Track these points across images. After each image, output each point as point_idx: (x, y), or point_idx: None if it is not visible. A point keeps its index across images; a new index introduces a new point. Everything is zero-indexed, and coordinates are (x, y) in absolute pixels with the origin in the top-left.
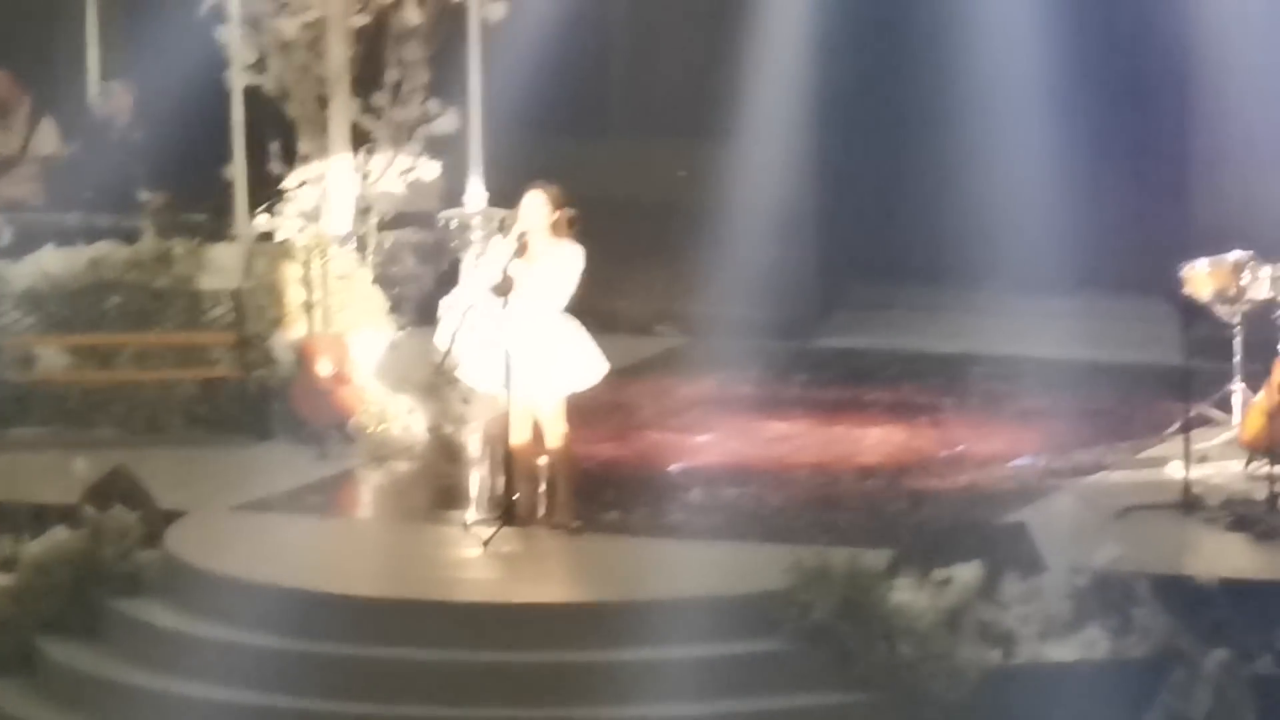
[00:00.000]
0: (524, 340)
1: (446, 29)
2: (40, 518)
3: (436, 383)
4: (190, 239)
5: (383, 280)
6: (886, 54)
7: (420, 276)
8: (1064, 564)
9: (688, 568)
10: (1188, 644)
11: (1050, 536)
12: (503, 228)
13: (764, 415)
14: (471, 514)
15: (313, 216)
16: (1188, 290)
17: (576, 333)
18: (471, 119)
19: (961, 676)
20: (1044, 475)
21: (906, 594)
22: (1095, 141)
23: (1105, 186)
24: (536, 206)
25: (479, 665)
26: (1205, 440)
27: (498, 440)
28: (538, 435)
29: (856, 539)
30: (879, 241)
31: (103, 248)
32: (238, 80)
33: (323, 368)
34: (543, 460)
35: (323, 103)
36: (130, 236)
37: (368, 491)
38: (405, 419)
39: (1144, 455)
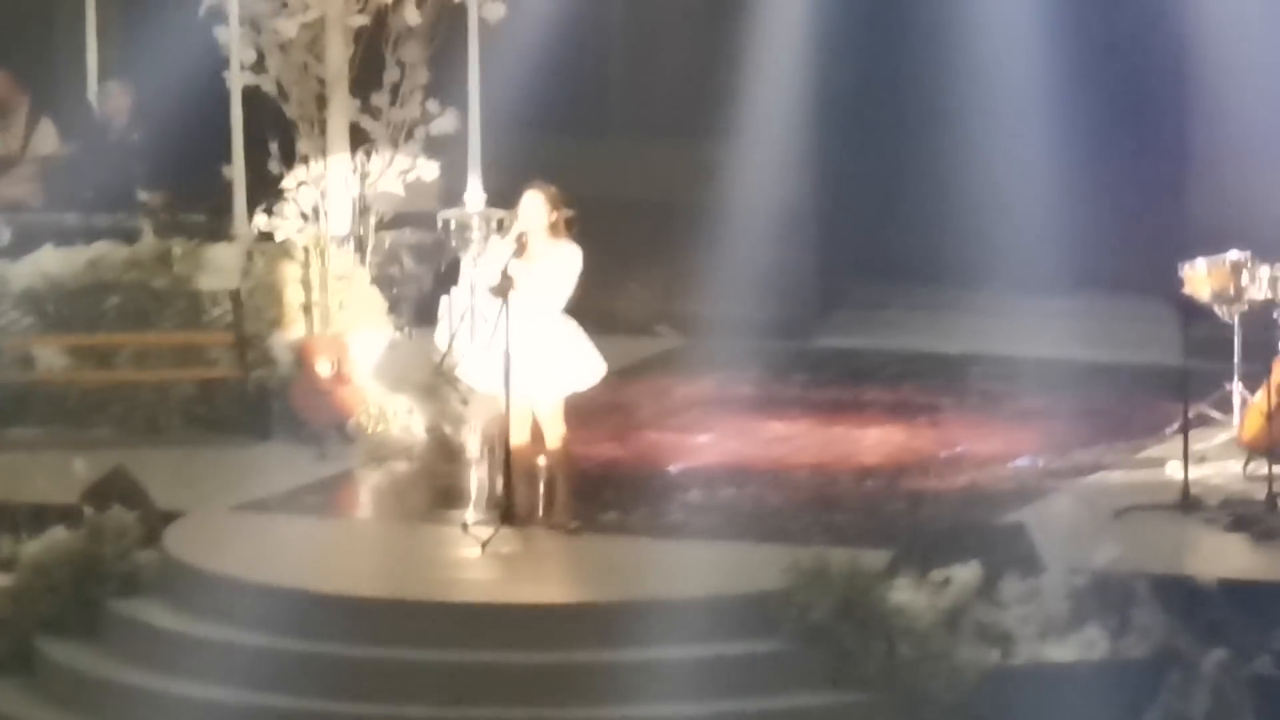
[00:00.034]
0: (523, 341)
1: (445, 29)
2: (39, 518)
3: (435, 383)
4: (189, 239)
5: (381, 280)
6: (886, 54)
7: (419, 277)
8: (1063, 564)
9: (686, 568)
10: (1186, 644)
11: (1049, 537)
12: (502, 228)
13: (763, 415)
14: (470, 514)
15: (312, 217)
16: (1186, 290)
17: (575, 333)
18: (470, 119)
19: (960, 677)
20: (1043, 475)
21: (905, 594)
22: (1094, 141)
23: (1104, 186)
24: (535, 207)
25: (478, 665)
26: (1204, 440)
27: (497, 440)
28: (536, 435)
29: (855, 539)
30: (878, 242)
31: (101, 248)
32: (237, 80)
33: (322, 368)
34: (541, 460)
35: (322, 103)
36: (129, 237)
37: (367, 492)
38: (404, 419)
39: (1143, 455)
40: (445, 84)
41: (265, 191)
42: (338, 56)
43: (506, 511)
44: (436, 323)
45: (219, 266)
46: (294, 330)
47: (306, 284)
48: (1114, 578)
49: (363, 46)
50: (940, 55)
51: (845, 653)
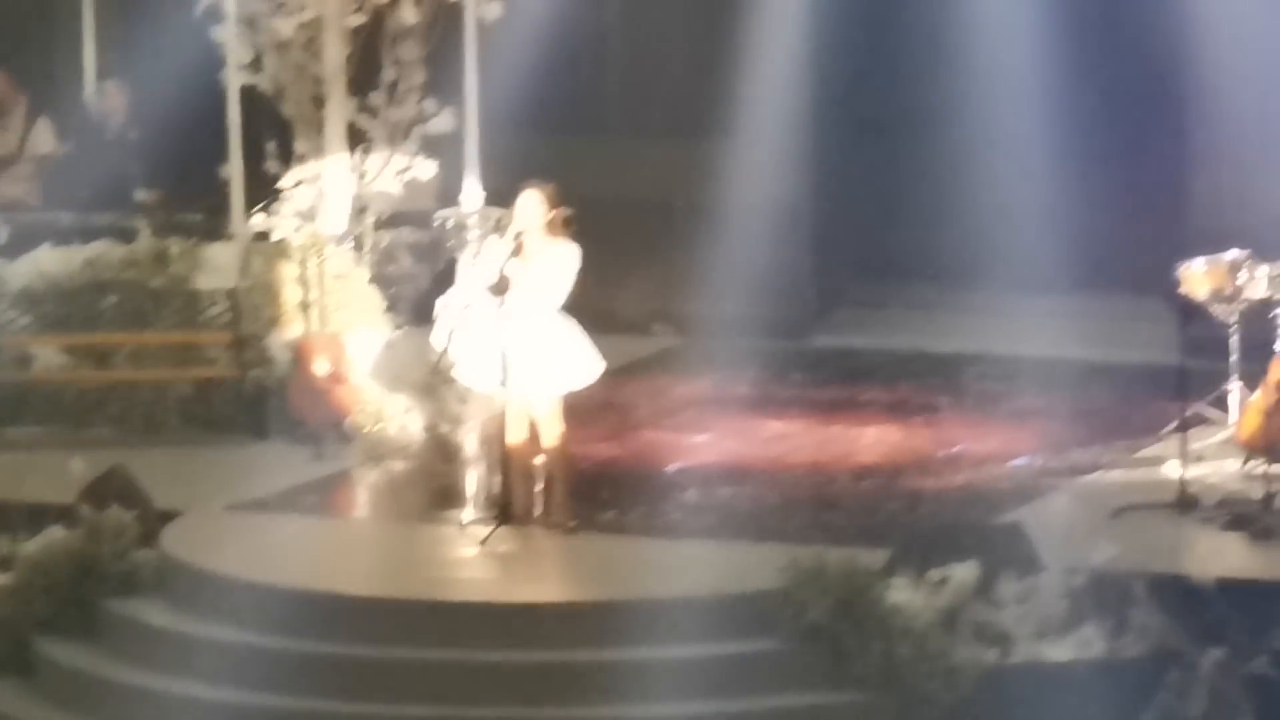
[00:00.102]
0: (520, 339)
1: (442, 28)
2: (37, 517)
3: (433, 382)
4: (186, 238)
5: (379, 280)
6: (883, 53)
7: (417, 276)
8: (1060, 564)
9: (684, 567)
10: (1184, 644)
11: (1046, 536)
12: (499, 227)
13: (760, 415)
14: (468, 513)
15: (309, 216)
16: (1184, 289)
17: (573, 332)
18: (468, 118)
19: (958, 676)
20: (1040, 475)
21: (903, 594)
22: (1092, 141)
23: (1102, 186)
24: (532, 206)
25: (475, 665)
26: (1202, 440)
27: (494, 440)
28: (534, 435)
29: (853, 539)
30: (876, 241)
31: (99, 247)
32: (234, 80)
33: (319, 367)
34: (539, 460)
35: (319, 102)
36: (126, 236)
37: (364, 491)
38: (402, 418)
39: (1140, 455)
40: (442, 83)
41: (262, 191)
42: (335, 56)
43: (504, 511)
44: (434, 322)
45: (216, 266)
46: (291, 329)
47: (304, 283)
48: (1111, 577)
49: (360, 46)
50: (938, 55)
51: (843, 652)
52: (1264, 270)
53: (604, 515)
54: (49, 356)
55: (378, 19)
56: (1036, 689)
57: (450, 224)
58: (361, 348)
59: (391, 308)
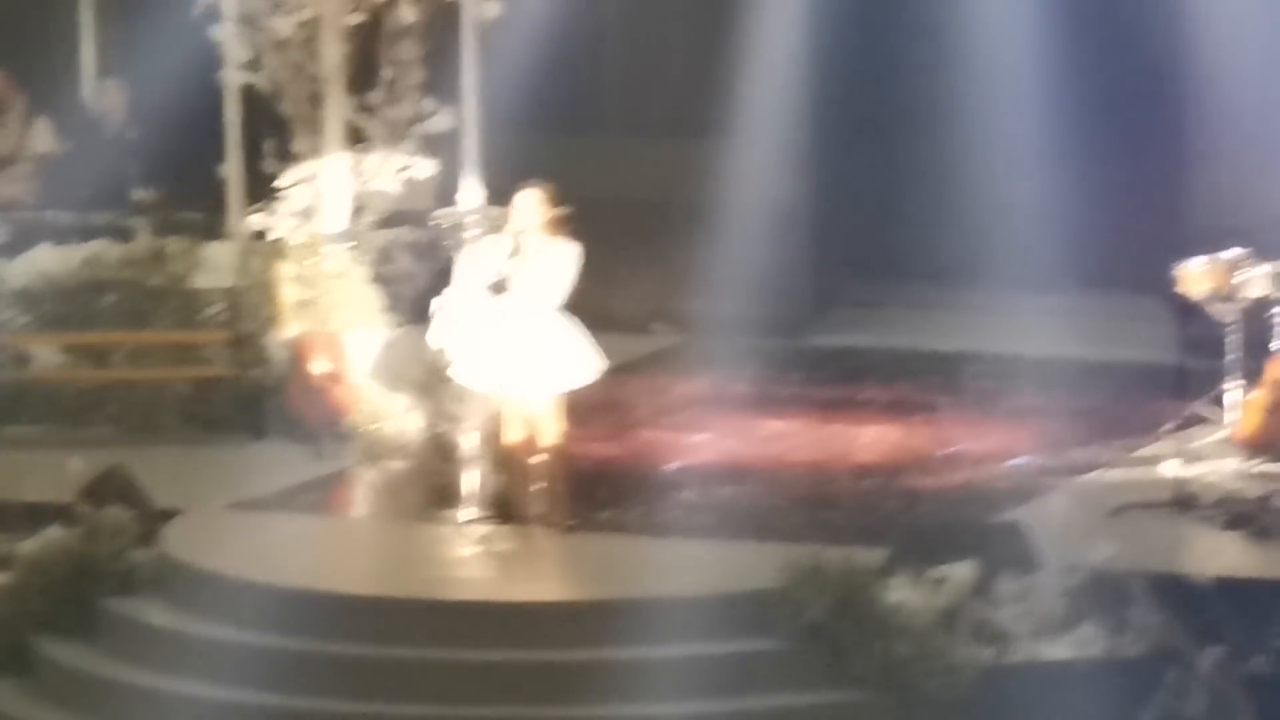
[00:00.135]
0: (519, 339)
1: (441, 27)
2: (35, 516)
3: (431, 381)
4: (185, 238)
5: (377, 279)
6: (881, 52)
7: (415, 275)
8: (1059, 563)
9: (682, 566)
10: (1183, 642)
11: (1045, 535)
12: (497, 226)
13: (759, 414)
14: (466, 513)
15: (307, 215)
16: (1182, 289)
17: (572, 331)
18: (466, 117)
19: (956, 675)
20: (1039, 474)
21: (901, 593)
22: (1090, 140)
23: (1101, 185)
24: (531, 205)
25: (473, 664)
26: (1200, 439)
27: (493, 439)
28: (532, 434)
29: (851, 538)
30: (874, 240)
31: (97, 246)
32: (232, 79)
33: (318, 366)
34: (537, 459)
35: (317, 101)
36: (125, 235)
37: (363, 490)
38: (400, 418)
39: (1139, 454)
40: (441, 82)
41: (261, 190)
42: (333, 55)
43: (503, 510)
44: (432, 321)
45: (215, 265)
46: (289, 329)
47: (302, 282)
48: (1110, 576)
49: (358, 45)
50: (936, 53)
51: (841, 651)
52: (1262, 269)
53: (602, 514)
54: (47, 355)
55: (376, 18)
56: (1035, 688)
57: (448, 223)
58: (360, 347)
59: (390, 307)
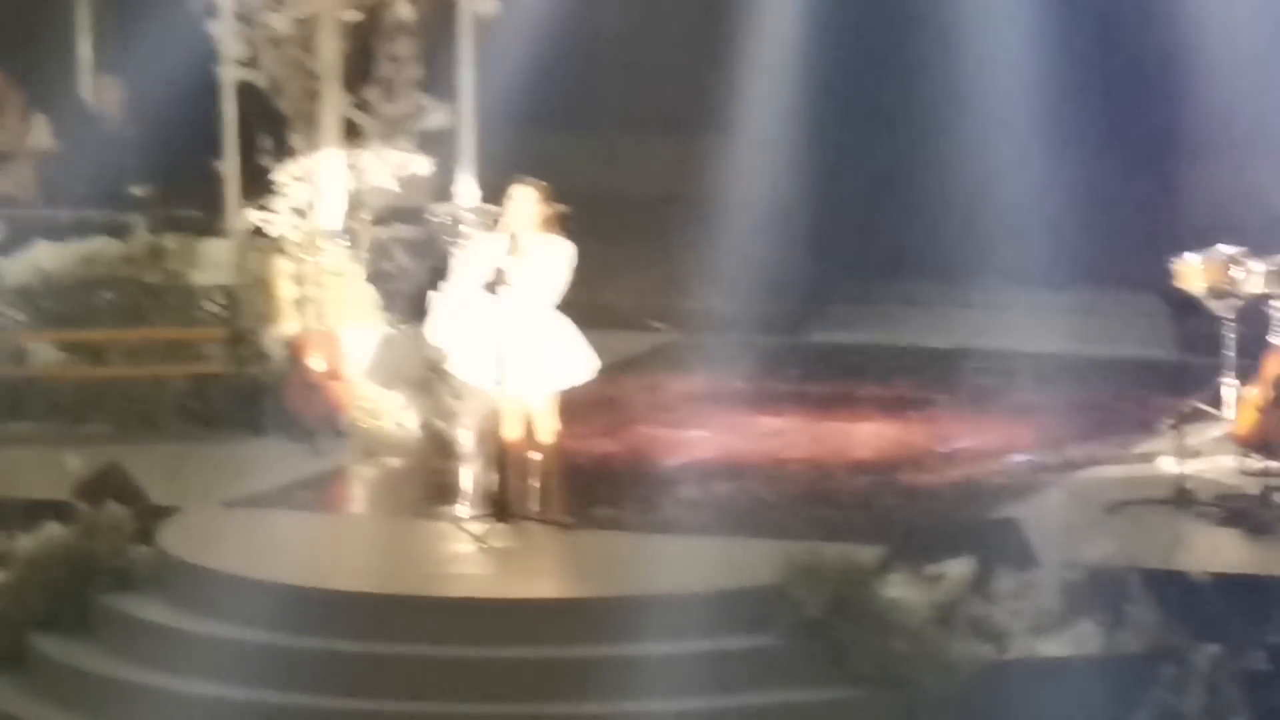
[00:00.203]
0: (516, 336)
1: (438, 24)
2: (33, 513)
3: (429, 378)
4: (182, 234)
5: (375, 276)
6: (878, 49)
7: (412, 272)
8: (1056, 559)
9: (680, 563)
10: (1180, 639)
11: (1042, 532)
12: (494, 223)
13: (756, 410)
14: (464, 509)
15: (304, 212)
16: (1180, 285)
17: (567, 329)
18: (463, 114)
19: (954, 672)
20: (1036, 470)
21: (899, 589)
22: (1087, 136)
23: (1097, 181)
24: (527, 202)
25: (471, 660)
26: (1197, 435)
27: (490, 436)
28: (530, 431)
29: (849, 534)
30: (872, 236)
31: (95, 243)
32: (229, 75)
33: (315, 363)
34: (535, 456)
35: (314, 98)
36: (122, 232)
37: (360, 487)
38: (397, 414)
39: (1136, 450)
40: (438, 79)
41: (258, 186)
42: (330, 51)
43: (500, 507)
44: (429, 318)
45: (212, 262)
46: (287, 325)
47: (299, 279)
48: (1108, 573)
49: (355, 41)
50: (933, 50)
51: (839, 648)
52: (1259, 266)
53: (600, 511)
54: (45, 352)
55: (374, 14)
56: (1032, 684)
57: (445, 220)
58: (357, 343)
59: (387, 304)
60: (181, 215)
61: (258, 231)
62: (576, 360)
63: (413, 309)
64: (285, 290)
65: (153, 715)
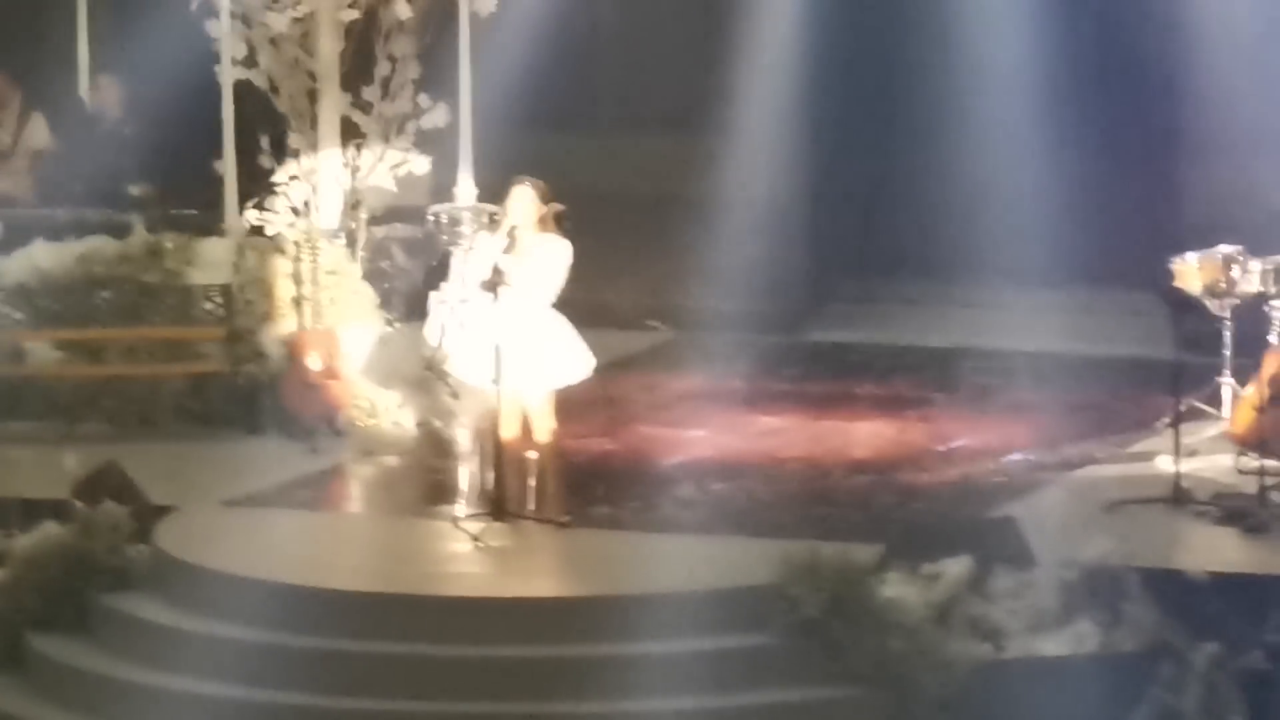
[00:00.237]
0: (513, 335)
1: (437, 23)
2: (30, 513)
3: (426, 378)
4: (180, 233)
5: (372, 275)
6: (876, 47)
7: (410, 271)
8: (1054, 558)
9: (677, 562)
10: (1177, 638)
11: (1040, 531)
12: (492, 223)
13: (754, 410)
14: (461, 508)
15: (303, 211)
16: (1177, 284)
17: (565, 328)
18: (461, 113)
19: (951, 671)
20: (1034, 469)
21: (896, 588)
22: (1085, 135)
23: (1095, 180)
24: (524, 201)
25: (468, 659)
26: (1195, 434)
27: (487, 435)
28: (527, 430)
29: (846, 533)
30: (870, 235)
31: (93, 242)
32: (228, 74)
33: (313, 362)
34: (532, 455)
35: (313, 97)
36: (120, 231)
37: (358, 486)
38: (395, 414)
39: (1134, 449)
40: (436, 78)
41: (256, 186)
42: (329, 51)
43: (497, 506)
44: (427, 317)
45: (210, 261)
46: (285, 325)
47: (297, 278)
48: (1105, 572)
49: (354, 41)
50: (931, 49)
51: (836, 647)
52: (1256, 265)
53: (597, 510)
54: (43, 352)
55: (372, 13)
56: (1030, 683)
57: (443, 219)
58: (355, 343)
59: (385, 303)
60: (180, 214)
61: (256, 231)
62: (573, 359)
63: (410, 308)
64: (283, 289)
65: (150, 714)
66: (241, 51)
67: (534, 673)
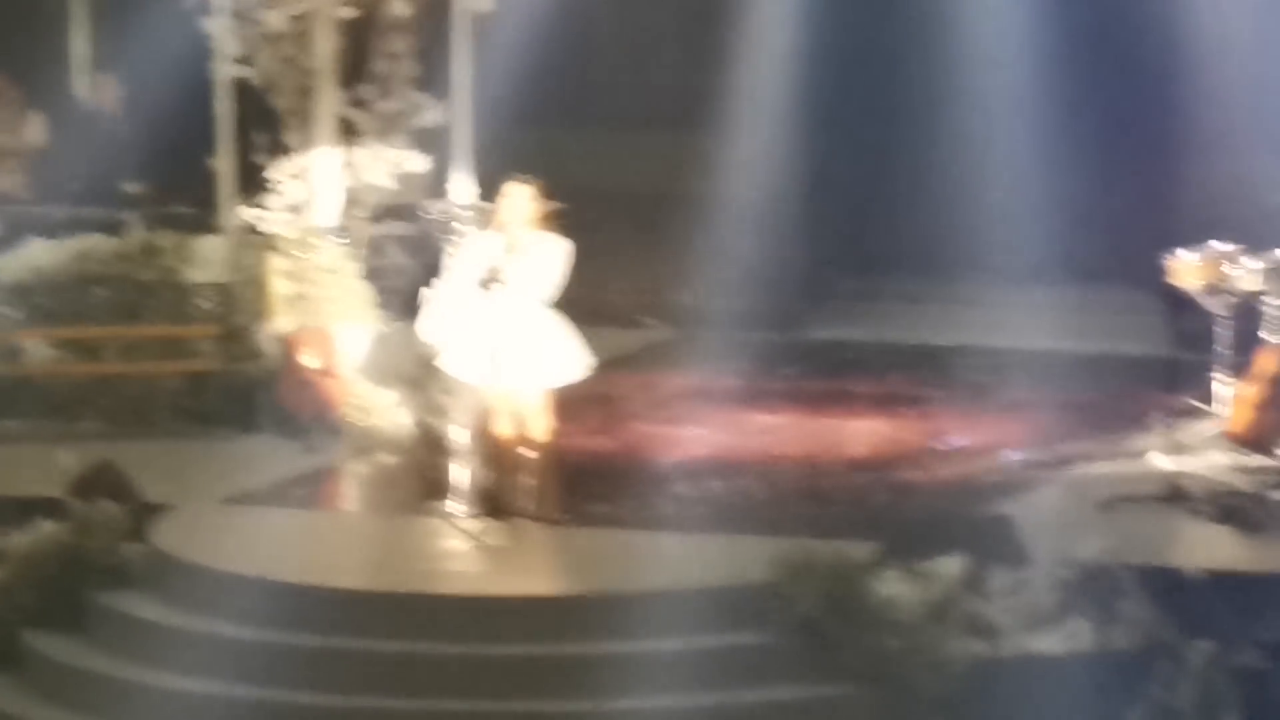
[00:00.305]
0: (509, 333)
1: (433, 21)
2: (26, 511)
3: (422, 376)
4: (176, 231)
5: (369, 273)
6: (873, 46)
7: (406, 269)
8: (1049, 556)
9: (674, 560)
10: (1173, 636)
11: (1036, 528)
12: (489, 221)
13: (750, 408)
14: (457, 506)
15: (299, 209)
16: (1174, 282)
17: (561, 326)
18: (458, 111)
19: (947, 668)
20: (1029, 467)
21: (892, 586)
22: (1082, 133)
23: (1092, 178)
24: (520, 200)
25: (464, 657)
26: (1191, 432)
27: (483, 433)
28: (523, 428)
29: (842, 531)
30: (866, 234)
31: (89, 240)
32: (224, 72)
33: (309, 360)
34: (528, 453)
35: (309, 95)
36: (116, 229)
37: (353, 484)
38: (391, 411)
39: (1130, 447)
40: (433, 76)
41: (253, 184)
42: (325, 48)
43: (493, 504)
44: (424, 315)
45: (206, 259)
46: (281, 323)
47: (294, 276)
48: (1100, 569)
49: (350, 39)
50: (928, 47)
51: (832, 645)
52: (1253, 263)
53: (594, 508)
54: (39, 350)
55: (368, 12)
56: (1025, 681)
57: (440, 217)
58: (351, 341)
59: (381, 301)
60: (176, 212)
61: (252, 229)
62: (570, 357)
63: (407, 306)
64: (279, 287)
65: (146, 712)
66: (238, 49)
67: (530, 670)
